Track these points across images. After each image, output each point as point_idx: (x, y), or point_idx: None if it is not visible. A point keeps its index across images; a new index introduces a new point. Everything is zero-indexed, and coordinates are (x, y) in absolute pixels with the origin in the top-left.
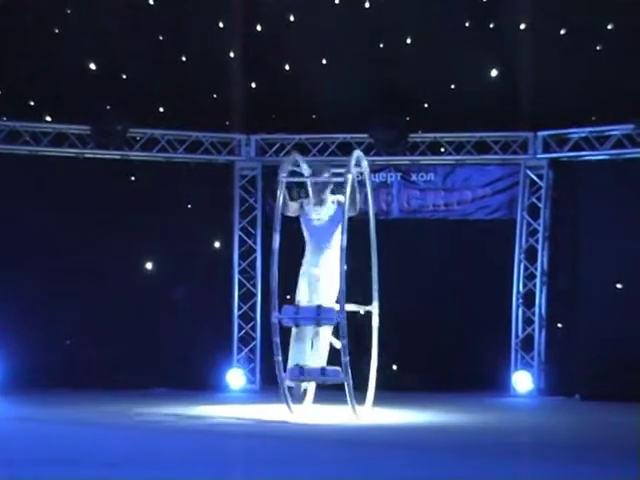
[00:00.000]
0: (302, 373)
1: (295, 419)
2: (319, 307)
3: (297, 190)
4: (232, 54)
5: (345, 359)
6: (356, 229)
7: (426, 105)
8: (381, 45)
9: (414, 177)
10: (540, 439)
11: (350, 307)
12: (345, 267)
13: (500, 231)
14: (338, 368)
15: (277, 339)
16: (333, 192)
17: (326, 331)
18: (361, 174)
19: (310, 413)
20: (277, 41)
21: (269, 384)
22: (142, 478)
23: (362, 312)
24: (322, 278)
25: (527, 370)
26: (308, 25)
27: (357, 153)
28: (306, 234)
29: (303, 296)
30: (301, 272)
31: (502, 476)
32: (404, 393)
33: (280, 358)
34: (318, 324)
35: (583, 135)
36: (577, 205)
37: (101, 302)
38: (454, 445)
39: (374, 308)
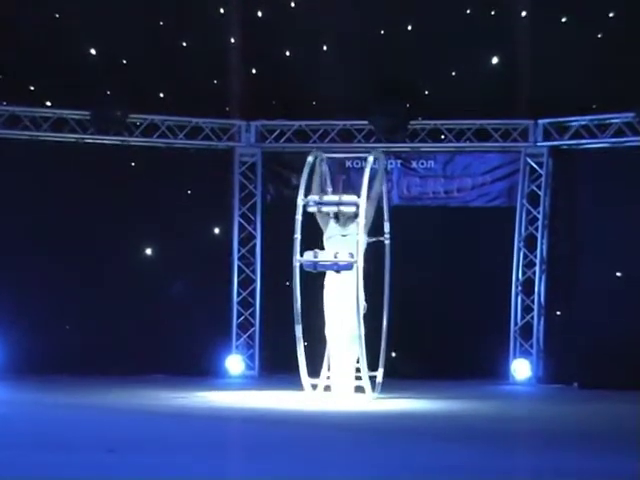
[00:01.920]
0: (316, 256)
1: (294, 405)
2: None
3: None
4: (232, 40)
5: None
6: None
7: (426, 92)
8: (382, 32)
9: (414, 164)
10: (539, 427)
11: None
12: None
13: (500, 219)
14: (352, 259)
15: (299, 217)
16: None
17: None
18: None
19: (317, 395)
20: (278, 27)
21: (268, 370)
22: (141, 463)
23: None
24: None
25: (526, 358)
26: (309, 11)
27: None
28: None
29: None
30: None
31: (501, 464)
32: (403, 381)
33: (299, 236)
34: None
35: (584, 123)
36: (577, 193)
37: (100, 288)
38: (453, 433)
39: (379, 374)
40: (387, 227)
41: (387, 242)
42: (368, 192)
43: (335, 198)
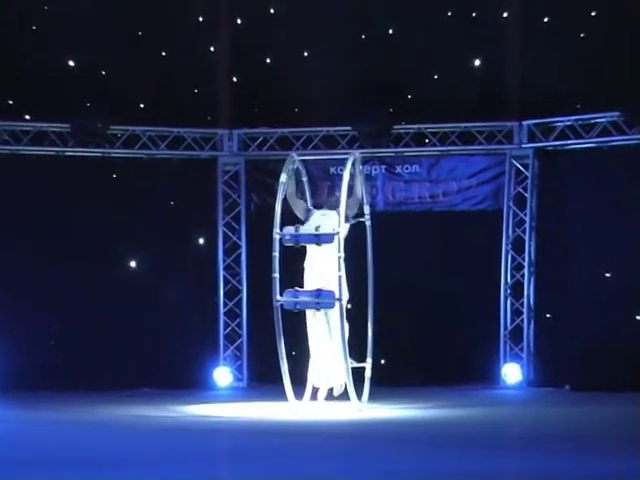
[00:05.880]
0: (297, 296)
1: (283, 415)
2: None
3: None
4: (213, 48)
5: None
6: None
7: (409, 96)
8: (363, 37)
9: (399, 169)
10: (531, 431)
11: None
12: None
13: (487, 222)
14: (333, 291)
15: (276, 253)
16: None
17: (336, 317)
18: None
19: (305, 408)
20: (258, 34)
21: (256, 381)
22: (129, 478)
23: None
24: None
25: (516, 362)
26: (289, 18)
27: (355, 156)
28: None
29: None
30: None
31: (494, 469)
32: (393, 387)
33: (277, 275)
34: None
35: (568, 123)
36: (564, 194)
37: (84, 301)
38: (445, 438)
39: (368, 364)
40: (367, 209)
41: (368, 223)
42: (348, 196)
43: (312, 229)
